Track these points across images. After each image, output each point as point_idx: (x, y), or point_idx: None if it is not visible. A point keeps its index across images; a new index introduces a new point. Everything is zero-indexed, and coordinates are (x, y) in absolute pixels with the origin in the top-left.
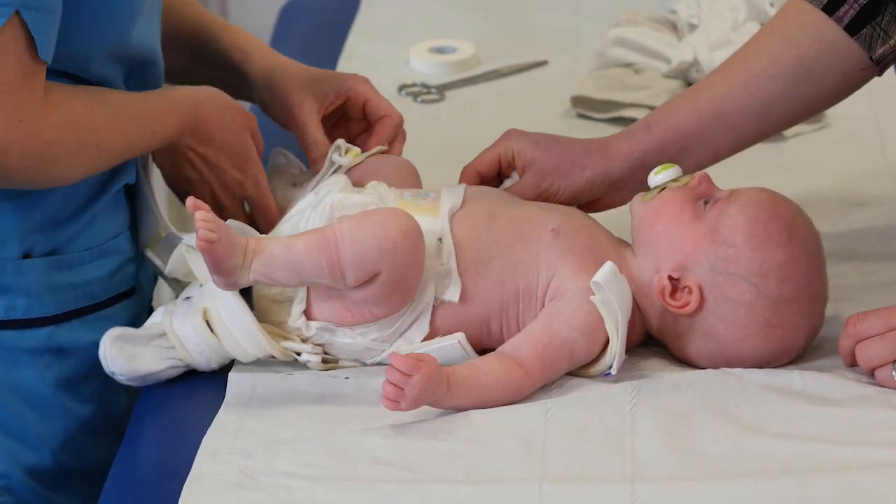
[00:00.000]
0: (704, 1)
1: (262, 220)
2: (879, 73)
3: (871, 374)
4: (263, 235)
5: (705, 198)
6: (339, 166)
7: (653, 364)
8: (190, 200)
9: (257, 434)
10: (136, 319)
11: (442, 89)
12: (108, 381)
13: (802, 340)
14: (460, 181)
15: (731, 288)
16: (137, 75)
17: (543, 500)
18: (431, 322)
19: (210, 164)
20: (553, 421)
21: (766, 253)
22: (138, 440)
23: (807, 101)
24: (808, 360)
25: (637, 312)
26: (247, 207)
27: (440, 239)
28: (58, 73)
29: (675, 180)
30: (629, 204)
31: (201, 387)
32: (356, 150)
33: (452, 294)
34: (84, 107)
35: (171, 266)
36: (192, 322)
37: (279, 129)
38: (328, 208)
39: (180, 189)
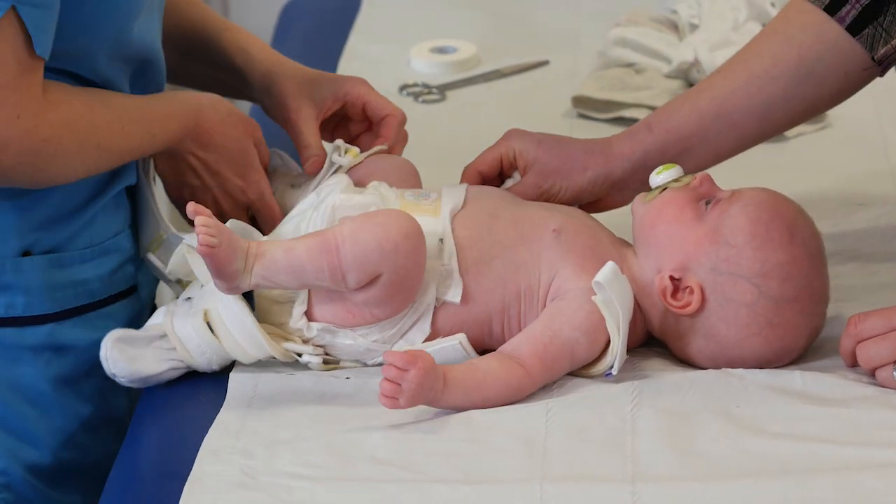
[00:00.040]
0: (705, 1)
1: (268, 227)
2: (881, 74)
3: (871, 374)
4: (264, 239)
5: (707, 198)
6: (339, 166)
7: (654, 364)
8: (191, 205)
9: (258, 434)
10: (137, 318)
11: (443, 89)
12: (108, 379)
13: (804, 341)
14: (462, 181)
15: (732, 288)
16: (140, 76)
17: (544, 500)
18: (433, 323)
19: (211, 170)
20: (554, 421)
21: (767, 253)
22: (139, 440)
23: (808, 102)
24: (810, 360)
25: (638, 312)
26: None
27: (441, 240)
28: (63, 74)
29: (676, 180)
30: (630, 204)
31: (202, 387)
32: (355, 149)
33: (454, 295)
34: (84, 106)
35: (172, 266)
36: (192, 323)
37: (279, 130)
38: (329, 209)
39: (182, 202)
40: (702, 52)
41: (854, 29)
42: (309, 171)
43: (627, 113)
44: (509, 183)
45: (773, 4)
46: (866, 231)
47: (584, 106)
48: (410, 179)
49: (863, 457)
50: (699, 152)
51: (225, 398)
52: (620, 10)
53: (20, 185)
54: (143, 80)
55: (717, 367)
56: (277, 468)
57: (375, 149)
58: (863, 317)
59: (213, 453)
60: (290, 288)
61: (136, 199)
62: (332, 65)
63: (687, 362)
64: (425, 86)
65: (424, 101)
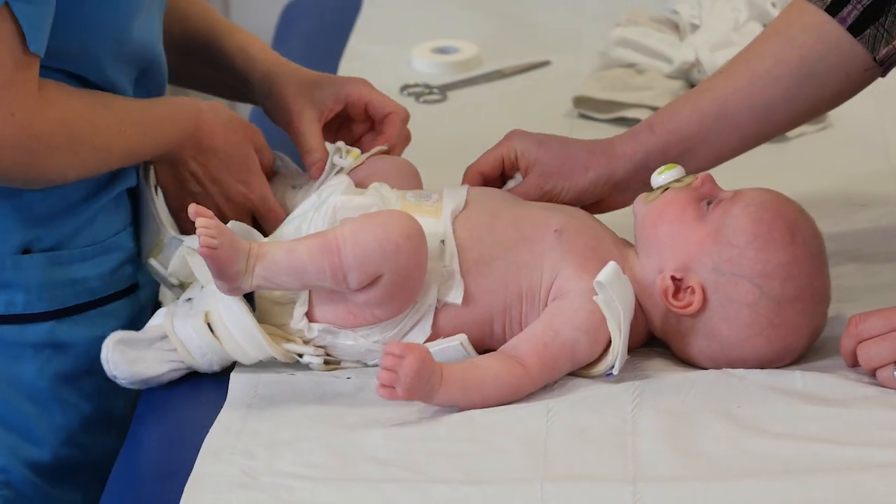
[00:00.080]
0: (706, 1)
1: (272, 231)
2: (883, 74)
3: (872, 374)
4: (266, 240)
5: (708, 198)
6: (341, 168)
7: (655, 364)
8: (192, 207)
9: (259, 434)
10: (138, 316)
11: (444, 90)
12: (108, 377)
13: (805, 341)
14: (463, 182)
15: (734, 288)
16: (143, 77)
17: (545, 500)
18: (434, 324)
19: (213, 177)
20: (555, 421)
21: (769, 253)
22: (140, 440)
23: (810, 103)
24: (810, 360)
25: (640, 313)
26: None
27: (443, 241)
28: (69, 76)
29: (678, 181)
30: (632, 204)
31: (203, 387)
32: (356, 151)
33: (455, 296)
34: (80, 104)
35: (173, 268)
36: (193, 325)
37: (280, 131)
38: (331, 210)
39: (184, 213)
40: (703, 53)
41: (855, 29)
42: (314, 175)
43: (629, 113)
44: (511, 184)
45: (773, 5)
46: (867, 231)
47: (586, 106)
48: (411, 180)
49: (863, 457)
50: (701, 153)
51: (226, 398)
52: (621, 10)
53: (17, 185)
54: (144, 80)
55: (718, 367)
56: (278, 468)
57: (376, 149)
58: (863, 317)
59: (214, 453)
60: (292, 289)
61: (137, 202)
62: (333, 65)
63: (688, 362)
64: (426, 86)
65: (425, 102)
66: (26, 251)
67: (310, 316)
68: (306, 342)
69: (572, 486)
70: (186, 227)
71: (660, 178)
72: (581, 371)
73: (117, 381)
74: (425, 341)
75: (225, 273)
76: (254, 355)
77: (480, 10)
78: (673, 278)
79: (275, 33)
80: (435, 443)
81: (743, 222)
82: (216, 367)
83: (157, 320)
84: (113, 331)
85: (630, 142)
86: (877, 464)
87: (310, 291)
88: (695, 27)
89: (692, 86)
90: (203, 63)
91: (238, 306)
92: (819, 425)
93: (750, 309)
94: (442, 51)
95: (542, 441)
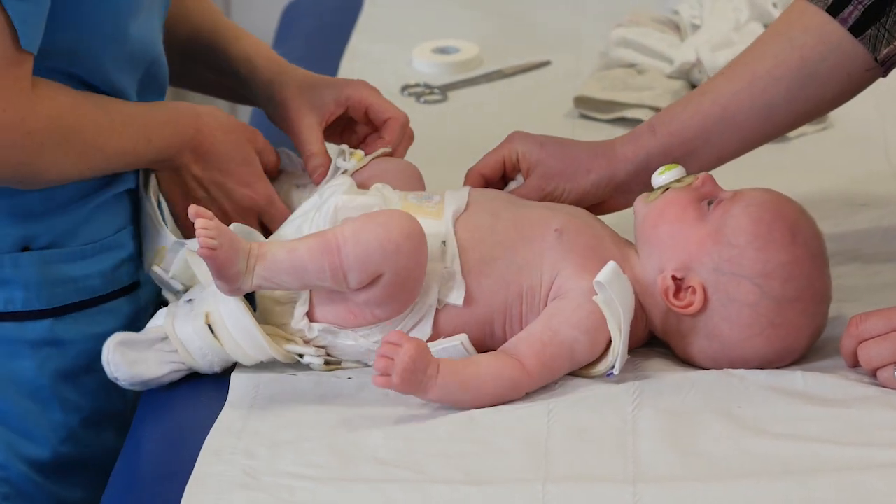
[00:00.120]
0: (707, 1)
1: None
2: (884, 75)
3: (873, 374)
4: (266, 240)
5: (709, 198)
6: (344, 171)
7: (655, 364)
8: (192, 208)
9: (260, 434)
10: (139, 315)
11: (445, 90)
12: None
13: (806, 341)
14: (464, 184)
15: (734, 288)
16: (146, 79)
17: (546, 500)
18: (434, 324)
19: (215, 181)
20: (555, 421)
21: (769, 253)
22: (141, 440)
23: (812, 103)
24: (811, 360)
25: (640, 312)
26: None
27: (444, 242)
28: (73, 79)
29: (678, 181)
30: (633, 204)
31: (204, 387)
32: (360, 153)
33: (456, 297)
34: (74, 102)
35: (175, 271)
36: (194, 326)
37: (281, 133)
38: (332, 210)
39: (189, 224)
40: (703, 53)
41: (856, 30)
42: (316, 180)
43: (629, 113)
44: (512, 185)
45: (774, 5)
46: (868, 231)
47: (586, 106)
48: (414, 182)
49: (864, 457)
50: (702, 154)
51: (226, 398)
52: (622, 10)
53: (9, 184)
54: (147, 82)
55: (718, 367)
56: (279, 468)
57: (379, 151)
58: (864, 317)
59: (215, 453)
60: (292, 289)
61: (137, 202)
62: (333, 65)
63: (689, 362)
64: (427, 86)
65: (426, 102)
66: (25, 249)
67: (310, 316)
68: (307, 342)
69: (573, 487)
70: (192, 235)
71: (660, 178)
72: (581, 371)
73: (118, 382)
74: (426, 342)
75: (225, 273)
76: (254, 356)
77: (481, 10)
78: (674, 278)
79: (275, 33)
80: (435, 443)
81: (743, 222)
82: (217, 368)
83: (158, 321)
84: (113, 329)
85: (631, 144)
86: (877, 464)
87: (311, 291)
88: (696, 27)
89: (693, 86)
90: (205, 66)
91: (239, 307)
92: (820, 425)
93: (751, 309)
94: (442, 51)
95: (543, 441)
